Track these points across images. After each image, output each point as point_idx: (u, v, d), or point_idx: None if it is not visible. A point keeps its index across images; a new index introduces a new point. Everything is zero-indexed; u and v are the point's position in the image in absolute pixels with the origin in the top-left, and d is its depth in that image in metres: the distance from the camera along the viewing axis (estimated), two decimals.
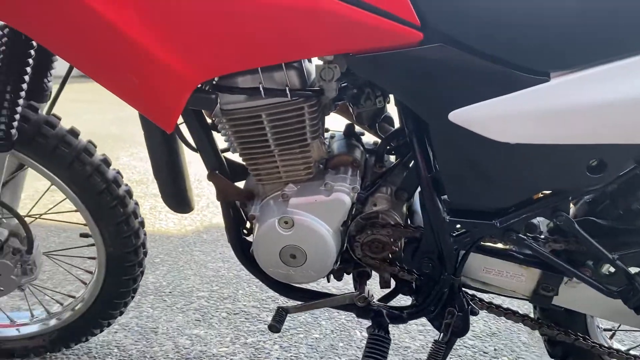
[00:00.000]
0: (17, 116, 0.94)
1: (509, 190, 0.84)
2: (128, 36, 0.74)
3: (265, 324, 1.52)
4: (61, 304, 1.30)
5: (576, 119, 0.74)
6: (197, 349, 1.40)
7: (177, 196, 1.07)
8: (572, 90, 0.73)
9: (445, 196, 0.88)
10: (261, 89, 0.84)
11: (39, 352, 1.29)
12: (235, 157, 0.98)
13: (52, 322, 1.28)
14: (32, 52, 0.90)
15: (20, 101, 0.92)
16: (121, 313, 1.27)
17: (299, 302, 1.01)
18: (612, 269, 0.86)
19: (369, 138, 1.07)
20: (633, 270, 0.86)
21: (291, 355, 1.38)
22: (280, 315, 0.97)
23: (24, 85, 0.91)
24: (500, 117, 0.76)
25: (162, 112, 0.82)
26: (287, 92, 0.84)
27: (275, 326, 0.96)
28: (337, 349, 1.41)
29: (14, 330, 1.29)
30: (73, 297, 1.29)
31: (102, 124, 4.26)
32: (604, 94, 0.72)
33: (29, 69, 0.91)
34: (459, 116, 0.78)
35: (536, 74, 0.75)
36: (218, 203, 1.01)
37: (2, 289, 1.12)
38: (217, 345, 1.42)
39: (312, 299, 1.01)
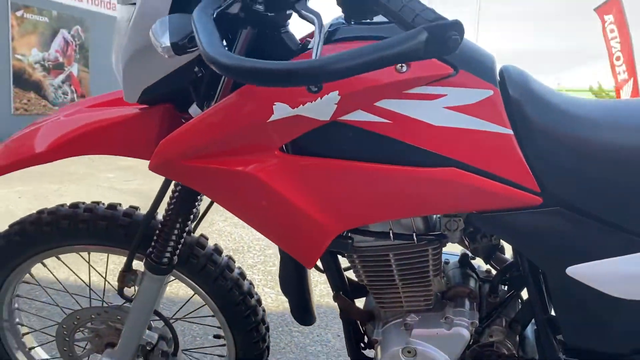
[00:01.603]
0: (180, 245, 1.11)
1: (625, 339, 0.89)
2: (283, 196, 0.88)
3: None
4: None
5: None
6: None
7: (302, 310, 1.20)
8: None
9: (561, 336, 0.95)
10: (391, 234, 0.96)
11: None
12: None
13: None
14: (199, 197, 1.08)
15: (185, 234, 1.10)
16: None
17: None
18: None
19: (479, 262, 1.16)
20: None
21: None
22: None
23: (189, 223, 1.09)
24: (617, 276, 0.84)
25: (305, 254, 0.96)
26: (414, 237, 0.95)
27: None
28: None
29: None
30: None
31: None
32: None
33: (195, 210, 1.08)
34: (577, 271, 0.85)
35: None
36: None
37: None
38: None
39: None
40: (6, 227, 1.23)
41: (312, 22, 0.70)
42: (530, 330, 1.06)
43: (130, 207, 1.21)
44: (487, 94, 0.83)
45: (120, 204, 1.21)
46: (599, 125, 0.86)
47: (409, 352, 0.99)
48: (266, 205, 0.90)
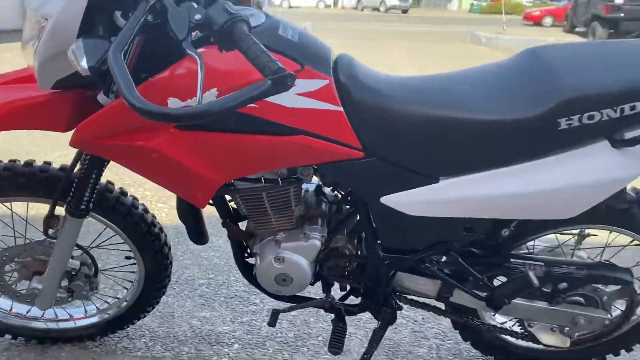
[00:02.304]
0: (94, 194, 1.38)
1: (418, 241, 1.35)
2: (179, 161, 1.19)
3: (255, 306, 2.04)
4: (108, 303, 1.77)
5: (453, 205, 1.25)
6: (206, 328, 1.90)
7: (197, 234, 1.54)
8: (450, 189, 1.24)
9: (380, 241, 1.39)
10: (263, 180, 1.31)
11: (91, 337, 1.77)
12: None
13: (102, 316, 1.75)
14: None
15: (97, 185, 1.36)
16: (153, 308, 1.75)
17: (288, 304, 1.52)
18: (481, 283, 1.40)
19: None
20: (496, 283, 1.41)
21: (276, 330, 1.90)
22: (275, 315, 1.48)
23: (101, 175, 1.35)
24: (409, 202, 1.26)
25: (197, 199, 1.28)
26: (279, 181, 1.31)
27: (272, 323, 1.47)
28: (309, 323, 1.95)
29: (72, 323, 1.76)
30: (118, 298, 1.76)
31: None
32: (470, 192, 1.23)
33: (104, 166, 1.35)
34: (387, 200, 1.27)
35: (430, 177, 1.25)
36: None
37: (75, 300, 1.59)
38: (221, 325, 1.93)
39: (296, 302, 1.53)
40: None
41: (195, 60, 0.96)
42: (363, 237, 1.49)
43: (45, 162, 1.44)
44: (323, 82, 1.17)
45: (34, 160, 1.43)
46: (402, 100, 1.24)
47: (279, 259, 1.39)
48: (166, 169, 1.20)
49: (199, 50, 1.09)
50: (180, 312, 1.99)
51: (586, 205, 1.23)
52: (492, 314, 1.65)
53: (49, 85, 1.16)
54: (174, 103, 1.09)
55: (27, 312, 1.73)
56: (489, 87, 1.23)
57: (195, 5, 0.97)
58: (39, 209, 1.43)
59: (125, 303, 1.72)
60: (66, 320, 1.76)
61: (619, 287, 1.45)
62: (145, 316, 1.78)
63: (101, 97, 1.16)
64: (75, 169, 1.38)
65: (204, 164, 1.20)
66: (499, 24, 15.47)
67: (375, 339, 1.47)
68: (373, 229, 1.38)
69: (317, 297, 1.53)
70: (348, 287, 1.53)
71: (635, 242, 1.47)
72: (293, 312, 1.99)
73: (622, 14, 11.88)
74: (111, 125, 1.12)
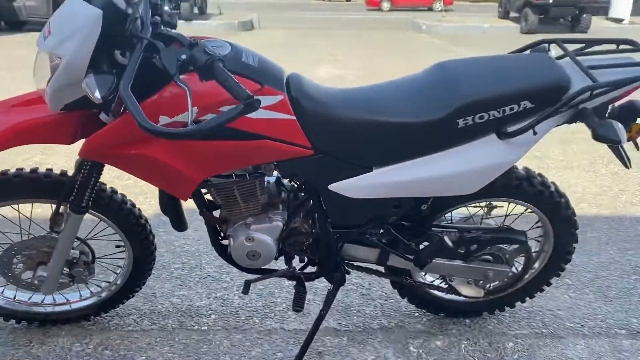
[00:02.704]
0: (93, 193, 1.66)
1: (359, 218, 1.71)
2: (168, 163, 1.49)
3: (226, 283, 2.37)
4: (101, 287, 2.05)
5: (384, 188, 1.61)
6: (186, 304, 2.22)
7: (179, 223, 1.84)
8: (381, 176, 1.60)
9: (330, 219, 1.74)
10: (233, 175, 1.63)
11: (86, 317, 2.06)
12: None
13: (95, 298, 2.04)
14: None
15: (98, 184, 1.65)
16: (140, 289, 2.05)
17: (257, 275, 1.86)
18: (409, 248, 1.78)
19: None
20: (421, 246, 1.79)
21: (246, 301, 2.24)
22: (247, 285, 1.81)
23: (99, 178, 1.64)
24: (350, 188, 1.62)
25: (181, 193, 1.59)
26: (247, 176, 1.64)
27: (245, 291, 1.81)
28: (274, 294, 2.29)
29: (68, 306, 2.04)
30: (109, 282, 2.05)
31: None
32: (396, 178, 1.59)
33: (102, 169, 1.63)
34: (333, 187, 1.62)
35: (365, 167, 1.60)
36: None
37: (75, 284, 1.87)
38: (198, 300, 2.24)
39: (264, 273, 1.87)
40: None
41: (176, 85, 1.26)
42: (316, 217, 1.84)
43: (47, 169, 1.71)
44: (279, 97, 1.50)
45: (38, 168, 1.70)
46: (341, 108, 1.58)
47: (249, 239, 1.72)
48: (158, 170, 1.51)
49: (182, 77, 1.39)
50: (161, 292, 2.29)
51: (482, 183, 1.62)
52: (422, 273, 2.04)
53: (58, 107, 1.44)
54: (163, 119, 1.40)
55: (29, 299, 2.00)
56: (406, 95, 1.60)
57: (180, 46, 1.29)
58: (40, 210, 1.69)
59: (115, 286, 2.01)
60: (63, 304, 2.04)
61: (517, 246, 1.86)
62: (133, 296, 2.07)
63: (103, 116, 1.45)
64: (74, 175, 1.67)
65: (187, 165, 1.52)
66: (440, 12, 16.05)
67: (330, 298, 1.83)
68: (324, 210, 1.73)
69: (281, 269, 1.87)
70: (306, 259, 1.87)
71: (529, 210, 1.88)
72: (260, 285, 2.33)
73: (551, 1, 12.67)
74: (115, 138, 1.42)
